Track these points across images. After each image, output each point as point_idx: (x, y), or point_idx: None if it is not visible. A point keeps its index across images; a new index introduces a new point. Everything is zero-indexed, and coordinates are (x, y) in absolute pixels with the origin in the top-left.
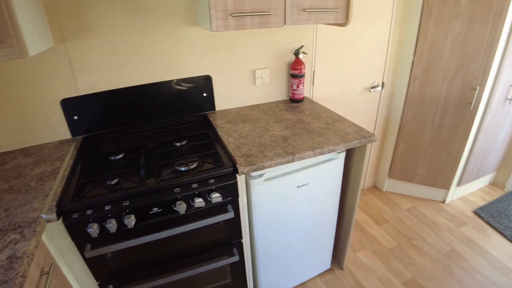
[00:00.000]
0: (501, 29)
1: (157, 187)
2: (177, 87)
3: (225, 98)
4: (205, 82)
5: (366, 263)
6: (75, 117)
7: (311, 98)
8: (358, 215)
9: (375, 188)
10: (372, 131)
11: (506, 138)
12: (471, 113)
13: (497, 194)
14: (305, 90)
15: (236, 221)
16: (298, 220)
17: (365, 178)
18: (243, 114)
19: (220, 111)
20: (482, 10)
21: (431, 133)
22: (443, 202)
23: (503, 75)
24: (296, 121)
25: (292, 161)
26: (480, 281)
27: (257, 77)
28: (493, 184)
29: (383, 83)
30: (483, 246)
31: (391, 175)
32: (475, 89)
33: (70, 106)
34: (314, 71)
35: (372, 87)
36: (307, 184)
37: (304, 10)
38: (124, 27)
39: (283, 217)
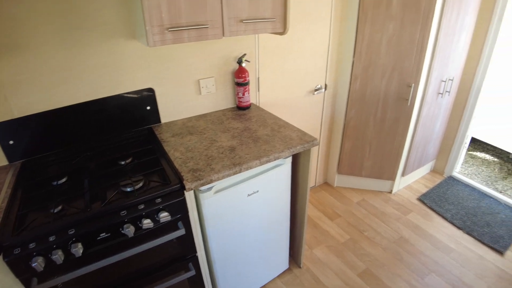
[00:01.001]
0: (429, 30)
1: (102, 211)
2: (118, 101)
3: (170, 110)
4: (148, 95)
5: (322, 259)
6: (11, 142)
7: (258, 104)
8: (312, 212)
9: (326, 184)
10: (319, 131)
11: (442, 129)
12: (409, 107)
13: (438, 180)
14: (252, 96)
15: (188, 237)
16: (252, 226)
17: (316, 176)
18: (190, 125)
19: (166, 123)
20: (412, 12)
21: (373, 128)
22: (390, 192)
23: (434, 71)
24: (243, 130)
25: (240, 172)
26: (426, 262)
27: (202, 87)
28: (434, 171)
29: (326, 85)
30: (427, 230)
31: (340, 170)
32: (411, 86)
33: (4, 130)
34: (258, 77)
35: (316, 90)
36: (257, 191)
37: (241, 21)
38: (58, 43)
39: (237, 226)
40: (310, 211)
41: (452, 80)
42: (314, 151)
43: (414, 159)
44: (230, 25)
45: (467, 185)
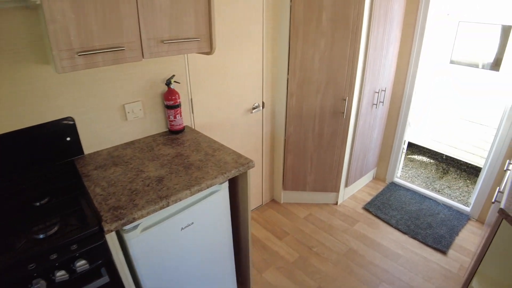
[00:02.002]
0: (359, 45)
1: (8, 265)
2: (33, 134)
3: (93, 140)
4: (67, 125)
5: (272, 282)
6: None
7: (193, 126)
8: (260, 233)
9: (273, 201)
10: (261, 149)
11: (379, 137)
12: (345, 120)
13: (380, 187)
14: (186, 119)
15: (116, 283)
16: (190, 261)
17: (262, 194)
18: (116, 155)
19: (90, 154)
20: (341, 29)
21: (313, 143)
22: (336, 204)
23: (366, 84)
24: (174, 156)
25: (167, 205)
26: (376, 272)
27: (128, 112)
28: (376, 178)
29: (263, 103)
30: (375, 239)
31: (285, 187)
32: (345, 100)
33: None
34: (191, 99)
35: (254, 108)
36: (192, 223)
37: (163, 41)
38: None
39: (173, 262)
40: (258, 232)
41: (384, 91)
42: (254, 172)
43: (355, 170)
44: (150, 47)
45: (408, 189)
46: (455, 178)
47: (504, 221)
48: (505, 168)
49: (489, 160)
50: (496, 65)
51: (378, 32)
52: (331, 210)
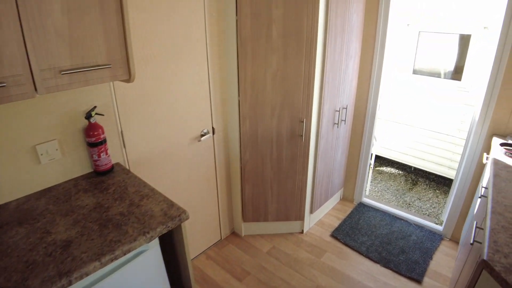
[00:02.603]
0: (314, 61)
1: None
2: None
3: None
4: None
5: None
6: None
7: (125, 163)
8: (218, 276)
9: (234, 234)
10: (214, 179)
11: (344, 156)
12: (304, 144)
13: (348, 208)
14: (116, 155)
15: None
16: None
17: (221, 228)
18: (25, 209)
19: None
20: (294, 44)
21: (272, 169)
22: (302, 233)
23: (326, 103)
24: (92, 208)
25: (70, 285)
26: None
27: (41, 154)
28: (344, 199)
29: (213, 129)
30: (344, 271)
31: (245, 218)
32: (303, 121)
33: None
34: (122, 131)
35: (202, 135)
36: None
37: (62, 72)
38: None
39: None
40: (215, 274)
41: (346, 108)
42: (209, 205)
43: (320, 194)
44: (45, 79)
45: (377, 210)
46: (424, 189)
47: (484, 271)
48: (482, 193)
49: (459, 175)
50: (456, 73)
51: (335, 45)
52: (297, 240)
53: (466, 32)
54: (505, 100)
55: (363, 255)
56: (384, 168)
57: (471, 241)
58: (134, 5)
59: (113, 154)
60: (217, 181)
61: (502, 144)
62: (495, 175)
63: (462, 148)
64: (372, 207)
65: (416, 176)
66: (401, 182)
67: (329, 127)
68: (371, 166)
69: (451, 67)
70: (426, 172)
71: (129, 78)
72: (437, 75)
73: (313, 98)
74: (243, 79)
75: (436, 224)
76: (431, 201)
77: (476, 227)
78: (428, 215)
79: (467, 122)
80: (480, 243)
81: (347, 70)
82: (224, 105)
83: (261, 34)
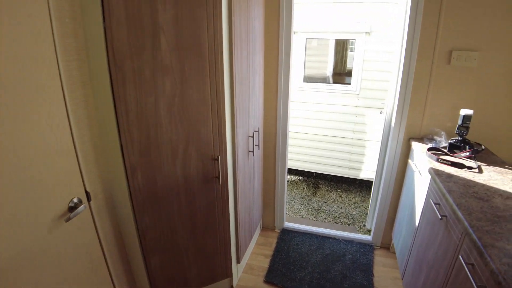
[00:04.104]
0: (222, 80)
1: None
2: None
3: None
4: None
5: None
6: None
7: None
8: None
9: None
10: (104, 267)
11: (260, 184)
12: (222, 186)
13: (273, 240)
14: None
15: None
16: None
17: None
18: None
19: None
20: (193, 59)
21: (184, 228)
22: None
23: (239, 130)
24: None
25: None
26: None
27: None
28: (265, 228)
29: (87, 194)
30: None
31: None
32: (217, 159)
33: None
34: None
35: (71, 208)
36: None
37: None
38: None
39: None
40: None
41: (258, 131)
42: None
43: (244, 237)
44: None
45: (302, 233)
46: (327, 191)
47: None
48: (439, 214)
49: (382, 183)
50: (346, 78)
51: (242, 58)
52: None
53: (350, 38)
54: (417, 103)
55: None
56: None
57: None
58: None
59: None
60: (108, 267)
61: (430, 149)
62: (450, 191)
63: (361, 149)
64: (296, 231)
65: (315, 179)
66: (304, 188)
67: (245, 157)
68: (286, 184)
69: (340, 72)
70: (325, 176)
71: None
72: (327, 80)
73: (225, 127)
74: (124, 113)
75: (360, 232)
76: (336, 201)
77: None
78: (348, 224)
79: (361, 123)
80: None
81: (254, 87)
82: (99, 156)
83: (144, 47)
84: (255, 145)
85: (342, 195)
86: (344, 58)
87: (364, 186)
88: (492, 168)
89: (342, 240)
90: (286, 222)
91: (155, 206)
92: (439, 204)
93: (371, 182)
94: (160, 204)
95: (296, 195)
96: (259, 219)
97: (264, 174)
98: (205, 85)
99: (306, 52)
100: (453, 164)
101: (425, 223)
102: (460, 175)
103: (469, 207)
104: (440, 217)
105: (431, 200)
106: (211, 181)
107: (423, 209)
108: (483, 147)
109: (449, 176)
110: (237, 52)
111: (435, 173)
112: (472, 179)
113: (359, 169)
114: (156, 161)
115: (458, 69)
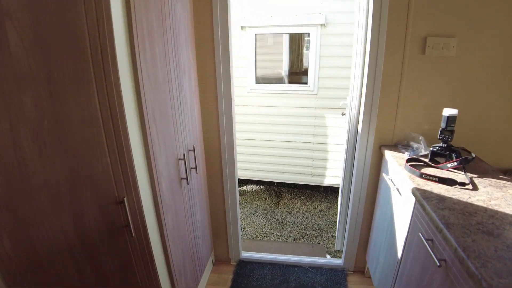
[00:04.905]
0: (119, 88)
1: None
2: None
3: None
4: None
5: None
6: None
7: None
8: None
9: None
10: None
11: (205, 213)
12: (138, 236)
13: (227, 275)
14: None
15: None
16: None
17: None
18: None
19: None
20: (67, 59)
21: None
22: None
23: (159, 156)
24: None
25: None
26: None
27: None
28: (218, 262)
29: None
30: None
31: None
32: (122, 201)
33: None
34: None
35: None
36: None
37: None
38: None
39: None
40: None
41: (193, 150)
42: None
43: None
44: None
45: (263, 264)
46: (290, 200)
47: None
48: (437, 262)
49: (351, 200)
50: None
51: (154, 56)
52: None
53: (304, 31)
54: (388, 103)
55: None
56: (245, 187)
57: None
58: None
59: None
60: None
61: (409, 161)
62: (448, 226)
63: (323, 153)
64: (255, 262)
65: (278, 187)
66: (266, 198)
67: (174, 189)
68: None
69: (296, 71)
70: (287, 184)
71: None
72: (282, 81)
73: (131, 154)
74: None
75: (328, 248)
76: (300, 211)
77: None
78: (315, 237)
79: (321, 126)
80: None
81: (183, 93)
82: None
83: None
84: (191, 168)
85: (307, 203)
86: (300, 55)
87: (329, 191)
88: (486, 181)
89: (309, 268)
90: (243, 252)
91: (38, 275)
92: (432, 240)
93: (336, 187)
94: (47, 273)
95: (258, 207)
96: (208, 254)
97: (210, 199)
98: (90, 98)
99: (256, 50)
100: (441, 180)
101: (412, 259)
102: (453, 196)
103: (479, 252)
104: (438, 264)
105: (421, 234)
106: (118, 234)
107: (407, 240)
108: (473, 155)
109: (441, 199)
110: (144, 47)
111: (422, 196)
112: (468, 201)
113: (322, 175)
114: (29, 215)
115: (435, 60)
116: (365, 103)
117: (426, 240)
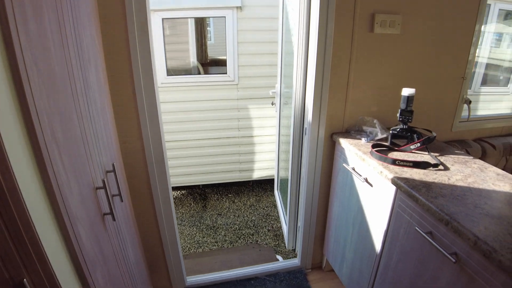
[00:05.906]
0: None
1: None
2: None
3: None
4: None
5: None
6: None
7: None
8: None
9: None
10: None
11: (136, 247)
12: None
13: None
14: None
15: None
16: None
17: None
18: None
19: None
20: None
21: None
22: None
23: (68, 185)
24: None
25: None
26: None
27: None
28: None
29: None
30: None
31: None
32: (22, 285)
33: None
34: None
35: None
36: None
37: None
38: None
39: None
40: None
41: (113, 171)
42: None
43: None
44: None
45: (213, 286)
46: (217, 200)
47: None
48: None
49: (304, 195)
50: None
51: (42, 32)
52: None
53: (218, 15)
54: (338, 88)
55: None
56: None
57: None
58: None
59: None
60: None
61: (374, 147)
62: (451, 216)
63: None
64: (204, 287)
65: (201, 189)
66: (191, 203)
67: (97, 232)
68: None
69: (214, 59)
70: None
71: None
72: (198, 71)
73: (23, 205)
74: None
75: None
76: (233, 214)
77: None
78: (252, 235)
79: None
80: None
81: (90, 91)
82: None
83: None
84: (114, 196)
85: (236, 200)
86: (216, 41)
87: (255, 184)
88: (449, 158)
89: (266, 277)
90: (187, 278)
91: None
92: (431, 233)
93: (263, 179)
94: None
95: (184, 215)
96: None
97: (140, 228)
98: None
99: (165, 38)
100: (416, 165)
101: (400, 253)
102: (435, 181)
103: (500, 241)
104: (453, 260)
105: (417, 228)
106: None
107: (388, 233)
108: (434, 134)
109: (427, 187)
110: (25, 15)
111: (407, 185)
112: (450, 183)
113: (251, 170)
114: None
115: (383, 38)
116: (314, 89)
117: (425, 232)
